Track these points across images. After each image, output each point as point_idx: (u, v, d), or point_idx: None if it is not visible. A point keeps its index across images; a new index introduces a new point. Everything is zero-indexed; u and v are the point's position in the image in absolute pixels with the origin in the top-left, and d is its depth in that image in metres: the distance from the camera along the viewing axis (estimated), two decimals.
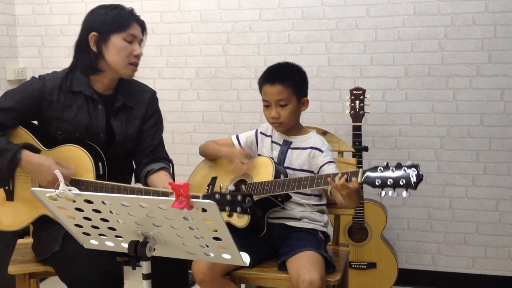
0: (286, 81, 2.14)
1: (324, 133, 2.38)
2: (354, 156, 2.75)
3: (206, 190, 2.26)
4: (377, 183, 1.80)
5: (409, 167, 1.77)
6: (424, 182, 3.10)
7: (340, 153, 2.40)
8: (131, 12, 2.11)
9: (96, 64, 2.07)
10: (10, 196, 2.09)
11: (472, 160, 3.05)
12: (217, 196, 1.76)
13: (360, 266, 2.96)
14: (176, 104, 3.43)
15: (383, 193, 1.80)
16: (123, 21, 2.06)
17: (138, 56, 2.09)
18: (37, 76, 2.12)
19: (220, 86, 3.35)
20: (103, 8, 2.09)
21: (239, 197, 1.71)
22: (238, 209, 1.72)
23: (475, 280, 3.13)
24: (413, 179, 1.76)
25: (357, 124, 2.90)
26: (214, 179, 2.28)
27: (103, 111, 2.11)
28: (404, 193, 1.77)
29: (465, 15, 2.96)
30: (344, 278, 2.24)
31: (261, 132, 2.32)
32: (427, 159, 3.10)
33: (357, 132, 2.89)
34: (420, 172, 1.77)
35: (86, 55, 2.08)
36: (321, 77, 3.19)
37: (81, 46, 2.10)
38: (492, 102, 3.00)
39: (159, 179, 2.15)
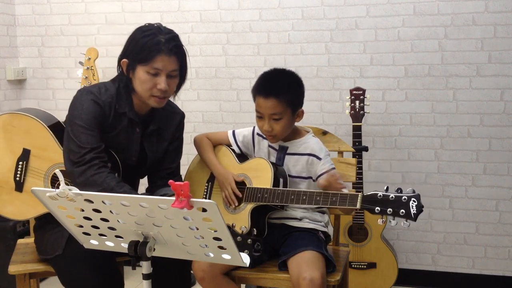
0: (281, 95, 2.04)
1: (324, 133, 2.37)
2: (354, 156, 2.75)
3: (206, 187, 2.26)
4: (376, 211, 1.79)
5: (410, 196, 1.75)
6: (424, 182, 3.11)
7: (340, 153, 2.39)
8: (160, 42, 1.93)
9: (131, 86, 2.02)
10: (19, 187, 2.11)
11: (472, 160, 3.05)
12: None
13: (360, 266, 2.96)
14: (176, 104, 3.42)
15: (380, 221, 1.79)
16: (147, 53, 1.93)
17: (161, 90, 1.96)
18: (92, 94, 1.97)
19: (220, 86, 3.35)
20: (140, 31, 1.99)
21: (249, 241, 1.72)
22: (246, 251, 1.72)
23: (475, 280, 3.13)
24: (413, 211, 1.74)
25: (357, 124, 2.90)
26: (213, 176, 2.27)
27: (140, 134, 2.07)
28: (403, 223, 1.75)
29: (465, 15, 2.96)
30: (344, 278, 2.24)
31: (258, 134, 2.26)
32: (427, 159, 3.10)
33: (357, 132, 2.89)
34: (421, 204, 1.74)
35: (123, 75, 2.03)
36: (321, 77, 3.19)
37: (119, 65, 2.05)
38: (492, 102, 3.00)
39: None
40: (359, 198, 1.83)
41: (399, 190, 1.78)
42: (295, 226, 2.16)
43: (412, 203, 1.74)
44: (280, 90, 2.06)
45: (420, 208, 1.74)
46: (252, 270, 2.06)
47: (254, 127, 2.28)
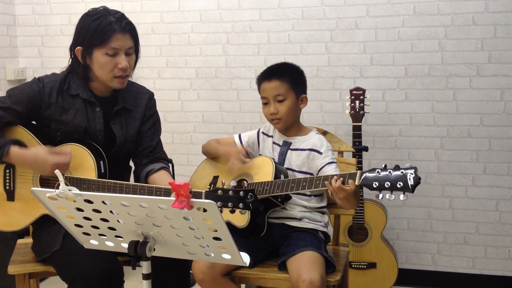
0: (282, 77, 2.17)
1: (324, 133, 2.38)
2: (354, 156, 2.75)
3: (208, 189, 2.27)
4: (374, 186, 1.80)
5: (407, 169, 1.76)
6: (424, 182, 3.10)
7: (340, 153, 2.40)
8: (112, 22, 2.00)
9: (88, 74, 2.08)
10: (10, 197, 2.09)
11: (472, 160, 3.05)
12: (219, 192, 1.76)
13: (360, 266, 2.96)
14: (176, 104, 3.43)
15: (380, 195, 1.80)
16: (102, 35, 1.98)
17: (123, 69, 2.03)
18: (37, 77, 2.12)
19: (220, 86, 3.35)
20: (88, 16, 2.04)
21: (241, 193, 1.72)
22: (241, 204, 1.72)
23: (475, 280, 3.13)
24: (411, 182, 1.75)
25: (357, 124, 2.90)
26: (215, 178, 2.28)
27: (101, 113, 2.12)
28: (402, 196, 1.76)
29: (465, 15, 2.96)
30: (344, 278, 2.24)
31: (263, 132, 2.33)
32: (427, 159, 3.10)
33: (357, 132, 2.89)
34: (418, 175, 1.75)
35: (78, 64, 2.08)
36: (321, 77, 3.19)
37: (72, 54, 2.10)
38: (492, 102, 3.00)
39: (160, 178, 2.16)
40: (358, 174, 1.85)
41: (397, 166, 1.79)
42: (295, 226, 2.16)
43: (410, 175, 1.75)
44: (282, 72, 2.20)
45: (417, 180, 1.75)
46: (252, 270, 2.07)
47: (259, 128, 2.35)
